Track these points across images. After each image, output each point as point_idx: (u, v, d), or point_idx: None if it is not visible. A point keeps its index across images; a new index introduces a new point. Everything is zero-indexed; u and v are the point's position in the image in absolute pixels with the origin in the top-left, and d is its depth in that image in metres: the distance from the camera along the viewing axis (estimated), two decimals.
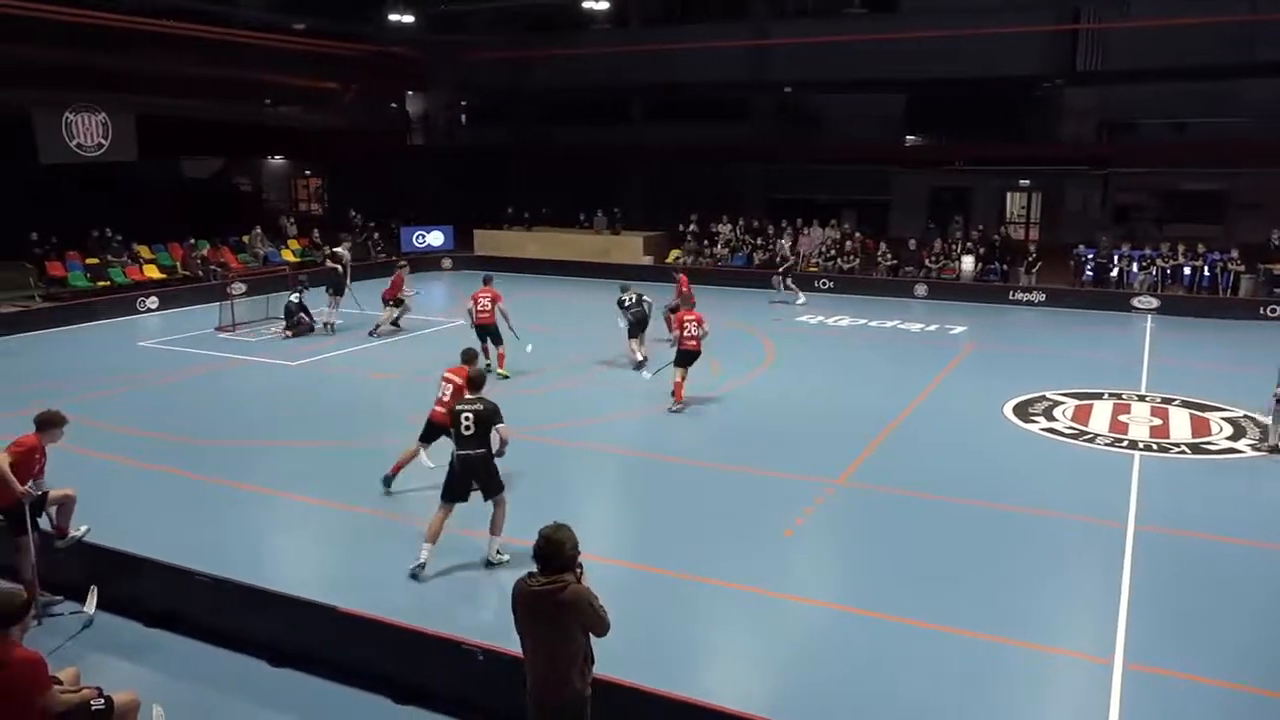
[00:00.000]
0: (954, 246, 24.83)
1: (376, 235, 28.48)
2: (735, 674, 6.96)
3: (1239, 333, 19.15)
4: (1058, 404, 13.54)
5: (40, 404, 7.93)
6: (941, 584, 8.04)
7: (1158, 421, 12.77)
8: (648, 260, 27.09)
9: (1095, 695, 6.43)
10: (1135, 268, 22.88)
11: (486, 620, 7.40)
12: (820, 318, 20.80)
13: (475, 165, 31.83)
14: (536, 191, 30.47)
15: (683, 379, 13.05)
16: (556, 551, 4.45)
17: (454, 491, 8.01)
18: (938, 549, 8.76)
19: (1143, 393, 14.21)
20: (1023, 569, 8.38)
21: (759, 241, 26.63)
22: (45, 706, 4.86)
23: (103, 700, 5.19)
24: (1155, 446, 11.73)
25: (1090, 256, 23.30)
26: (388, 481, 9.90)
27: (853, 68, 25.42)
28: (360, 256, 24.74)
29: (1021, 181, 28.11)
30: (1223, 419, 12.88)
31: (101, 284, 22.12)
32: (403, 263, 20.14)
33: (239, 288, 20.82)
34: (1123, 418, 12.90)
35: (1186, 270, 22.46)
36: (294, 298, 18.35)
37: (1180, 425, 12.60)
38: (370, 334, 18.14)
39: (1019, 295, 22.76)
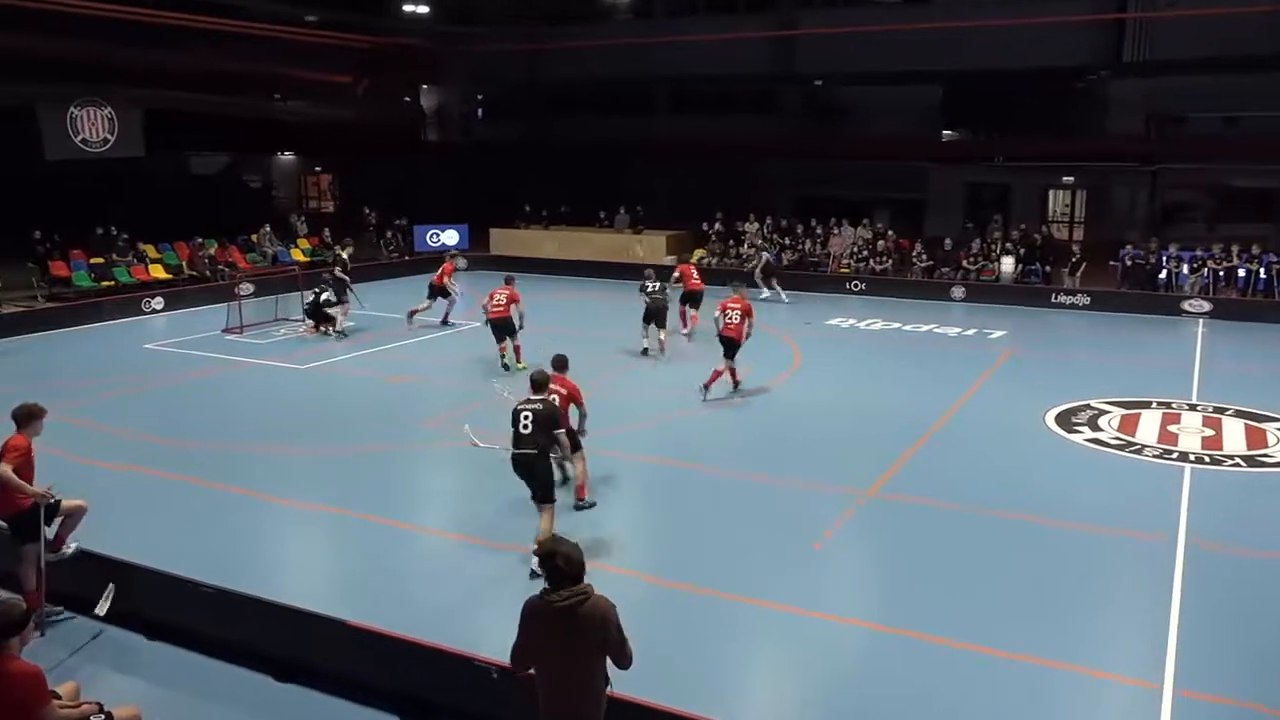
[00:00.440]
0: (993, 247, 24.06)
1: (389, 234, 27.92)
2: (761, 695, 6.78)
3: None
4: (1103, 413, 12.93)
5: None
6: (980, 602, 7.76)
7: (1210, 432, 12.25)
8: (670, 260, 26.27)
9: None
10: (1185, 269, 22.10)
11: (505, 636, 6.89)
12: (852, 321, 20.19)
13: (491, 161, 31.20)
14: (554, 188, 29.83)
15: (724, 368, 13.27)
16: (579, 571, 4.43)
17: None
18: (975, 565, 8.46)
19: (1194, 402, 13.64)
20: (1066, 587, 8.05)
21: (786, 241, 25.92)
22: None
23: (103, 716, 5.15)
24: (1207, 459, 11.26)
25: (1138, 258, 22.46)
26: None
27: (886, 59, 25.04)
28: (370, 256, 24.37)
29: (1065, 178, 27.52)
30: None
31: (106, 284, 21.72)
32: (453, 252, 20.42)
33: (247, 288, 20.46)
34: (1172, 428, 12.36)
35: (1240, 272, 21.63)
36: (323, 295, 17.79)
37: (1234, 436, 12.08)
38: (443, 323, 18.26)
39: (1062, 298, 22.01)
